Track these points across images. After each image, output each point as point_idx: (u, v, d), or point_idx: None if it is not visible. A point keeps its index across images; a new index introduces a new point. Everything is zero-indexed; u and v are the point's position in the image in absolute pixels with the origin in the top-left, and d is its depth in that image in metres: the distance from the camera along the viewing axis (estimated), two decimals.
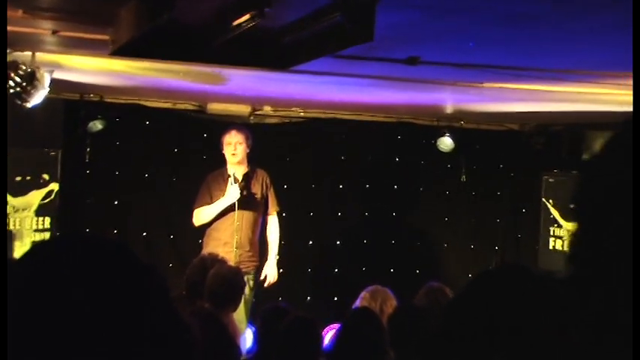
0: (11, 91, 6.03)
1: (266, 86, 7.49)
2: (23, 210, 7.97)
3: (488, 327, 1.19)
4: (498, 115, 9.18)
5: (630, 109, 0.94)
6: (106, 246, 1.21)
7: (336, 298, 9.29)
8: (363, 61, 5.40)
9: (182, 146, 9.01)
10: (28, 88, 6.17)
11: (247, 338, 7.15)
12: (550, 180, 9.62)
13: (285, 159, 9.28)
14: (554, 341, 0.88)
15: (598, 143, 8.68)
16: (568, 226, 9.23)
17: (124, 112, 8.76)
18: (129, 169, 8.84)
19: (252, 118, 9.25)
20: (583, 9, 3.87)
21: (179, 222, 8.55)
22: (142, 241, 8.72)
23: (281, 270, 8.14)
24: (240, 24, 4.27)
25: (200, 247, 7.72)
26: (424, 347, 4.54)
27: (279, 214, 8.09)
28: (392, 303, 5.68)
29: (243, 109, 9.14)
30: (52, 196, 8.23)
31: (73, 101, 8.49)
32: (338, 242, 9.67)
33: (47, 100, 6.70)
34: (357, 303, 5.74)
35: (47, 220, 8.18)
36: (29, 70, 6.17)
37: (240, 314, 6.83)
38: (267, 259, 7.96)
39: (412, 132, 9.83)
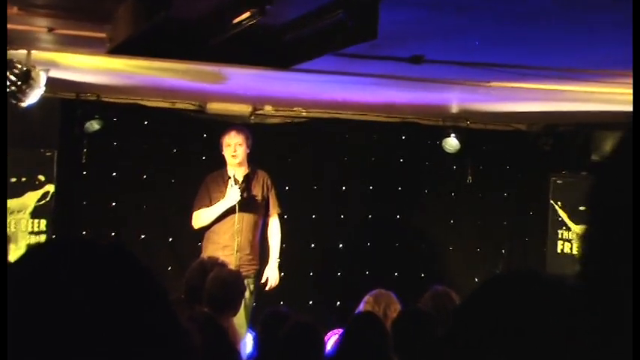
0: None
1: (267, 85, 7.49)
2: (18, 212, 7.98)
3: (497, 334, 1.19)
4: (505, 115, 9.18)
5: None
6: (103, 249, 1.21)
7: (338, 303, 9.28)
8: (367, 59, 5.40)
9: (181, 147, 9.01)
10: (24, 87, 6.18)
11: (247, 343, 7.15)
12: (558, 182, 9.62)
13: (286, 160, 9.28)
14: (565, 348, 0.87)
15: (608, 144, 8.67)
16: (577, 229, 9.23)
17: (121, 112, 8.76)
18: (126, 170, 8.84)
19: (252, 118, 9.24)
20: (593, 4, 3.86)
21: (178, 224, 8.55)
22: (140, 243, 8.72)
23: (282, 273, 8.13)
24: (240, 21, 4.27)
25: (199, 250, 7.72)
26: (429, 353, 4.54)
27: (280, 216, 8.08)
28: (396, 307, 5.68)
29: (244, 109, 9.14)
30: (48, 198, 8.23)
31: (70, 100, 8.49)
32: (340, 245, 9.67)
33: (43, 100, 6.70)
34: (361, 307, 5.74)
35: (43, 222, 8.19)
36: (24, 68, 6.17)
37: (240, 319, 6.83)
38: (267, 263, 7.96)
39: (417, 132, 9.83)
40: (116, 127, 8.74)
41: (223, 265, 6.32)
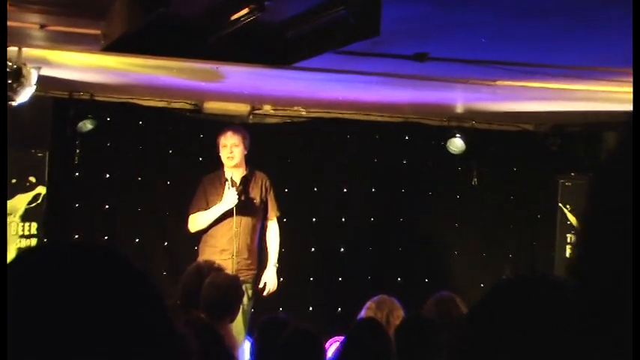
0: None
1: (266, 84, 7.49)
2: (8, 215, 7.98)
3: (509, 340, 1.19)
4: (512, 114, 9.18)
5: None
6: (97, 253, 1.21)
7: (339, 309, 9.28)
8: (369, 57, 5.40)
9: (177, 147, 9.01)
10: (14, 85, 6.18)
11: (245, 351, 7.15)
12: (567, 184, 9.61)
13: (285, 161, 9.28)
14: (576, 353, 0.87)
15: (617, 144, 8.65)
16: None
17: (115, 112, 8.76)
18: (121, 172, 8.84)
19: (251, 117, 9.25)
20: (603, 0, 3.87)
21: (174, 228, 8.55)
22: (135, 247, 8.72)
23: (281, 279, 8.13)
24: (238, 18, 4.27)
25: (196, 254, 7.72)
26: None
27: (279, 220, 8.09)
28: (399, 314, 5.68)
29: (242, 109, 9.15)
30: (39, 200, 8.23)
31: (62, 100, 8.50)
32: (342, 249, 9.67)
33: (34, 99, 6.70)
34: (362, 314, 5.74)
35: (34, 225, 8.19)
36: (15, 66, 6.17)
37: (237, 325, 6.83)
38: (266, 267, 7.96)
39: (420, 133, 9.83)
40: (110, 127, 8.74)
41: (220, 269, 6.32)
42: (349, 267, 9.58)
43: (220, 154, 7.76)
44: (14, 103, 6.30)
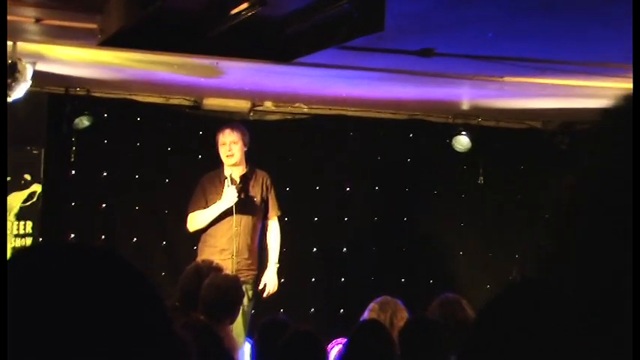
0: None
1: (267, 80, 7.49)
2: None
3: (519, 345, 1.19)
4: (519, 111, 9.17)
5: None
6: (94, 253, 1.20)
7: (342, 310, 9.28)
8: (373, 52, 5.40)
9: (176, 145, 9.00)
10: (9, 81, 6.18)
11: (245, 353, 7.15)
12: None
13: (286, 159, 9.28)
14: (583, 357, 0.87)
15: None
16: None
17: (112, 108, 8.76)
18: (118, 170, 8.84)
19: (251, 114, 9.24)
20: None
21: (172, 227, 8.55)
22: (132, 247, 8.72)
23: (282, 279, 8.13)
24: (239, 12, 4.27)
25: (195, 254, 7.72)
26: None
27: (280, 219, 8.08)
28: (403, 315, 5.67)
29: (242, 105, 9.14)
30: (35, 199, 8.23)
31: (58, 95, 8.49)
32: (344, 249, 9.66)
33: (29, 95, 6.70)
34: (365, 315, 5.74)
35: (29, 224, 8.18)
36: (10, 61, 6.17)
37: (237, 327, 6.83)
38: (266, 268, 7.96)
39: (425, 130, 9.82)
40: (107, 124, 8.74)
41: (219, 269, 6.32)
42: (351, 267, 9.58)
43: (219, 152, 7.76)
44: (9, 99, 6.30)
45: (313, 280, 9.49)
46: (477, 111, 9.39)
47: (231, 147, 7.69)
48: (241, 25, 4.42)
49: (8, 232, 8.01)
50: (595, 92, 6.98)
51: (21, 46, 6.13)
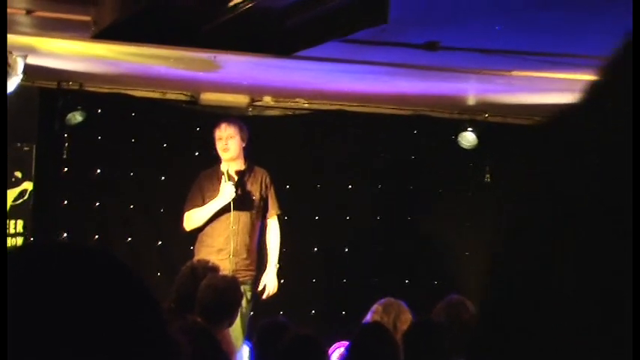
0: None
1: (266, 74, 7.49)
2: None
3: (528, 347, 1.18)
4: (528, 107, 9.16)
5: None
6: (87, 253, 1.20)
7: (343, 313, 9.28)
8: (376, 46, 5.40)
9: (172, 141, 9.00)
10: None
11: (243, 357, 7.14)
12: None
13: (286, 156, 9.27)
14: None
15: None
16: None
17: (106, 103, 8.75)
18: (112, 167, 8.84)
19: (250, 109, 9.24)
20: None
21: (168, 227, 8.54)
22: (127, 247, 8.72)
23: (282, 280, 8.13)
24: (237, 4, 4.27)
25: (191, 254, 7.72)
26: None
27: (280, 218, 8.08)
28: (407, 318, 5.67)
29: (241, 100, 9.14)
30: (26, 197, 8.23)
31: (50, 90, 8.49)
32: (346, 249, 9.66)
33: (20, 89, 6.70)
34: (368, 318, 5.74)
35: (20, 223, 8.18)
36: None
37: (236, 330, 6.82)
38: (266, 268, 7.96)
39: (430, 126, 9.81)
40: (101, 120, 8.73)
41: (216, 269, 6.32)
42: (353, 268, 9.58)
43: (216, 148, 7.76)
44: None
45: (314, 281, 9.49)
46: (484, 106, 9.38)
47: (227, 142, 7.69)
48: (240, 17, 4.41)
49: None
50: None
51: (11, 38, 6.11)
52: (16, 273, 1.14)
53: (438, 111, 9.76)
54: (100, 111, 8.72)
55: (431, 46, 5.30)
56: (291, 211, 8.67)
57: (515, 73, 6.57)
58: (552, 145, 0.89)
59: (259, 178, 7.92)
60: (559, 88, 7.28)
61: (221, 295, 5.77)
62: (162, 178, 8.95)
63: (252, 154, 7.96)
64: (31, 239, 8.23)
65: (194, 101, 9.09)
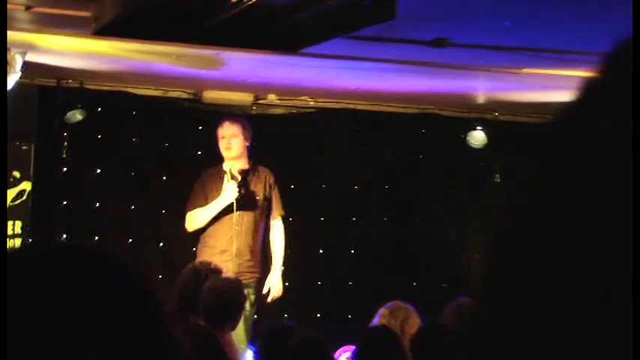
0: None
1: (271, 71, 7.49)
2: None
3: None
4: (538, 105, 9.15)
5: None
6: (87, 254, 1.20)
7: (350, 316, 9.27)
8: (384, 42, 5.40)
9: (174, 140, 9.00)
10: None
11: None
12: None
13: (291, 155, 9.27)
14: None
15: None
16: None
17: (107, 101, 8.76)
18: (112, 167, 8.84)
19: (254, 108, 9.24)
20: None
21: (170, 227, 8.55)
22: (128, 248, 8.72)
23: (286, 283, 8.13)
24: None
25: (194, 255, 7.73)
26: None
27: (284, 219, 8.08)
28: (415, 321, 5.67)
29: (244, 98, 9.14)
30: (24, 197, 8.23)
31: (49, 88, 8.50)
32: (352, 251, 9.66)
33: (19, 87, 6.71)
34: (375, 321, 5.73)
35: (18, 224, 8.19)
36: None
37: (239, 334, 6.82)
38: (270, 270, 7.96)
39: (438, 125, 9.81)
40: (101, 118, 8.74)
41: (219, 271, 6.32)
42: (360, 270, 9.57)
43: (219, 147, 7.76)
44: None
45: (319, 283, 9.49)
46: (494, 105, 9.37)
47: (230, 140, 7.70)
48: (244, 12, 4.41)
49: None
50: None
51: (10, 35, 6.12)
52: (16, 275, 1.14)
53: (447, 109, 9.75)
54: (100, 109, 8.72)
55: (439, 43, 5.30)
56: (296, 212, 8.67)
57: (525, 70, 6.56)
58: (552, 142, 0.89)
59: (263, 178, 7.93)
60: (571, 86, 7.25)
61: (224, 297, 5.77)
62: (164, 177, 8.95)
63: (256, 154, 7.96)
64: (30, 241, 8.23)
65: (197, 99, 9.09)
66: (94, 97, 8.65)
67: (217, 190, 7.71)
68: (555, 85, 7.36)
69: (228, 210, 7.65)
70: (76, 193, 8.73)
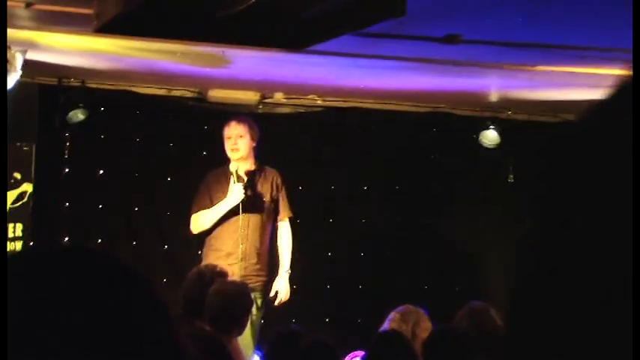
0: None
1: (277, 70, 7.49)
2: None
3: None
4: (553, 103, 9.15)
5: None
6: (90, 257, 1.19)
7: (359, 320, 9.28)
8: (394, 39, 5.39)
9: (178, 140, 9.02)
10: None
11: None
12: None
13: (299, 155, 9.28)
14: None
15: None
16: None
17: (109, 100, 8.77)
18: (115, 168, 8.86)
19: (260, 107, 9.24)
20: None
21: (174, 230, 8.56)
22: (131, 251, 8.73)
23: (294, 286, 8.12)
24: None
25: (199, 258, 7.73)
26: None
27: (291, 221, 8.08)
28: (426, 326, 5.67)
29: (251, 97, 9.15)
30: (25, 199, 8.25)
31: (51, 87, 8.51)
32: (362, 253, 9.66)
33: (19, 86, 6.71)
34: (385, 325, 5.73)
35: (19, 226, 8.20)
36: None
37: (245, 338, 6.82)
38: (277, 274, 7.96)
39: (450, 124, 9.81)
40: (103, 118, 8.75)
41: (224, 274, 6.32)
42: (370, 273, 9.57)
43: (225, 147, 7.76)
44: None
45: (328, 287, 9.49)
46: (507, 103, 9.36)
47: (236, 141, 7.70)
48: (250, 9, 4.41)
49: None
50: None
51: (10, 32, 6.13)
52: (18, 277, 1.14)
53: (459, 108, 9.75)
54: (102, 109, 8.74)
55: (451, 39, 5.30)
56: (304, 214, 8.68)
57: (539, 67, 6.56)
58: (584, 144, 0.89)
59: (270, 179, 7.93)
60: (586, 83, 7.26)
61: (230, 301, 5.77)
62: (169, 179, 8.96)
63: (262, 154, 7.96)
64: (31, 243, 8.25)
65: (201, 98, 9.10)
66: (96, 97, 8.66)
67: (223, 191, 7.72)
68: (570, 83, 7.36)
69: (234, 212, 7.65)
70: (78, 195, 8.74)
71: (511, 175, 9.97)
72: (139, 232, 8.94)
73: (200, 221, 7.75)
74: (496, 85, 8.34)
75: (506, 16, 4.83)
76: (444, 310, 6.12)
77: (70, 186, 8.73)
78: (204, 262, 7.38)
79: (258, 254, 7.78)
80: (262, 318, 7.79)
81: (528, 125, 9.90)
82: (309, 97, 9.38)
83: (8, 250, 7.99)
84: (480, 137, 9.64)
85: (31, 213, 8.31)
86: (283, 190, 8.01)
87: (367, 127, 9.59)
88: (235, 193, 7.62)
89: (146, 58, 7.09)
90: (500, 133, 9.56)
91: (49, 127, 8.52)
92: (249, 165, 7.82)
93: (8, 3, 5.27)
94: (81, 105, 8.50)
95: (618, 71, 6.46)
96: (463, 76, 7.46)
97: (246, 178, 7.74)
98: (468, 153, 9.84)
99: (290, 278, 8.01)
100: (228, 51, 6.43)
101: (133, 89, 8.86)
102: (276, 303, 7.92)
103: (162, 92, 9.00)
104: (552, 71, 6.67)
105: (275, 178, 7.97)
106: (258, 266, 7.78)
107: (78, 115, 8.51)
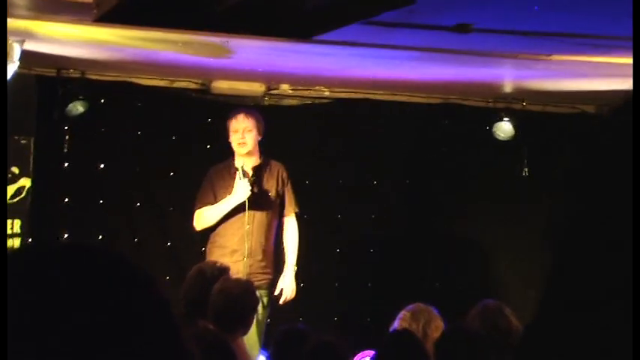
0: None
1: (283, 60, 7.49)
2: None
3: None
4: (569, 94, 9.14)
5: None
6: (91, 253, 1.20)
7: (369, 319, 9.29)
8: (403, 28, 5.39)
9: (181, 133, 9.02)
10: None
11: None
12: None
13: (305, 149, 9.28)
14: None
15: None
16: None
17: (110, 92, 8.78)
18: (116, 162, 8.87)
19: (266, 98, 9.25)
20: None
21: (177, 226, 8.57)
22: (133, 248, 8.75)
23: (301, 284, 8.14)
24: None
25: (203, 255, 7.75)
26: None
27: (298, 216, 8.08)
28: (438, 325, 5.67)
29: (256, 88, 9.15)
30: (23, 194, 8.26)
31: (49, 78, 8.52)
32: (371, 250, 9.66)
33: (17, 77, 6.72)
34: (396, 325, 5.74)
35: (17, 223, 8.22)
36: None
37: (251, 338, 6.84)
38: (283, 271, 7.97)
39: (462, 116, 9.80)
40: (104, 110, 8.76)
41: (225, 271, 6.33)
42: (380, 270, 9.58)
43: (230, 141, 7.76)
44: None
45: (336, 284, 9.49)
46: (521, 94, 9.35)
47: (244, 135, 7.69)
48: None
49: None
50: None
51: (7, 22, 6.14)
52: (14, 278, 1.15)
53: (471, 99, 9.74)
54: (103, 101, 8.75)
55: (463, 29, 5.29)
56: (311, 209, 8.68)
57: (555, 57, 6.55)
58: (608, 139, 0.90)
59: (276, 173, 7.93)
60: (603, 72, 7.25)
61: (235, 300, 5.78)
62: (171, 173, 8.97)
63: (268, 147, 7.96)
64: (30, 240, 8.27)
65: (205, 90, 9.10)
66: (96, 88, 8.66)
67: (227, 187, 7.72)
68: (586, 72, 7.35)
69: (239, 209, 7.65)
70: (78, 190, 8.75)
71: (525, 168, 9.96)
72: (141, 228, 8.95)
73: (204, 218, 7.75)
74: (510, 76, 8.33)
75: (519, 5, 4.83)
76: (455, 309, 6.13)
77: (70, 180, 8.74)
78: (208, 259, 7.40)
79: (264, 251, 7.79)
80: (268, 317, 7.80)
81: (543, 117, 9.89)
82: (316, 88, 9.37)
83: (7, 247, 8.01)
84: (494, 129, 9.62)
85: (30, 208, 8.32)
86: (289, 184, 8.01)
87: (376, 119, 9.58)
88: (241, 190, 7.61)
89: (147, 49, 7.10)
90: (515, 125, 9.54)
91: (48, 119, 8.53)
92: (255, 160, 7.82)
93: None
94: (80, 97, 8.50)
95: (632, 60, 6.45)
96: (475, 66, 7.45)
97: (251, 174, 7.74)
98: (480, 145, 9.83)
99: (297, 276, 8.02)
100: (233, 41, 6.43)
101: (134, 80, 8.86)
102: (281, 301, 7.92)
103: (164, 84, 9.00)
104: (568, 61, 6.66)
105: (281, 172, 7.97)
106: (263, 263, 7.79)
107: (77, 108, 8.51)
